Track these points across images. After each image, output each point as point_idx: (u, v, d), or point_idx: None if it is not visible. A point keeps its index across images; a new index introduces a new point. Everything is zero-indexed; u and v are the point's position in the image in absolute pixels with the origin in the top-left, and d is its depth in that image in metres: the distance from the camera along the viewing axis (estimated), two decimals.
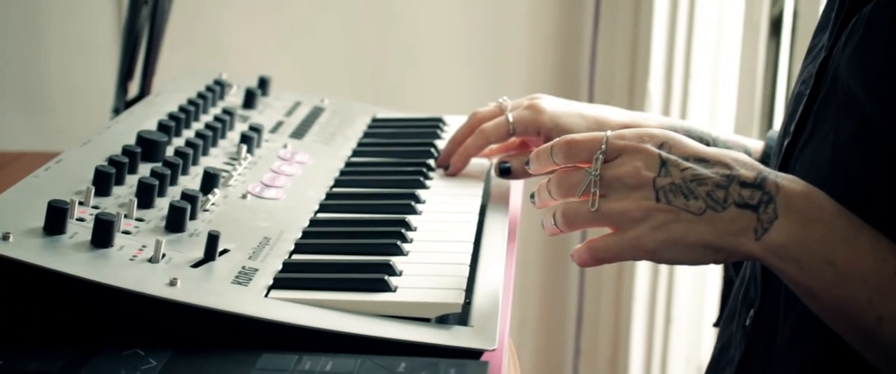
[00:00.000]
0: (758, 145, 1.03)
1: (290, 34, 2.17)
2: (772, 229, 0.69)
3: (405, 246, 0.82)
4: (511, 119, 1.01)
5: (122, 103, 1.32)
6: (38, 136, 2.07)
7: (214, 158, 0.97)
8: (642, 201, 0.71)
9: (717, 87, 2.00)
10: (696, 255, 0.71)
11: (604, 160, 0.73)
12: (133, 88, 1.34)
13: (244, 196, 0.89)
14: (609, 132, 0.74)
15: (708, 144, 1.03)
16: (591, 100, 2.13)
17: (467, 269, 0.78)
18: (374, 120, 1.20)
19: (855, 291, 0.68)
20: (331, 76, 2.17)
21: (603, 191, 0.72)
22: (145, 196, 0.82)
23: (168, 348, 0.68)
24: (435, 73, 2.21)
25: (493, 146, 1.04)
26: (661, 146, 0.72)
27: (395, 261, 0.77)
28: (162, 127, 0.96)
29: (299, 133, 1.11)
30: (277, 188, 0.93)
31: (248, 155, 0.98)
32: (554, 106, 1.02)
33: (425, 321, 0.72)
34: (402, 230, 0.84)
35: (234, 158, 0.97)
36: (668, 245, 0.70)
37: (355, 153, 1.08)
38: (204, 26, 2.06)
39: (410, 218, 0.87)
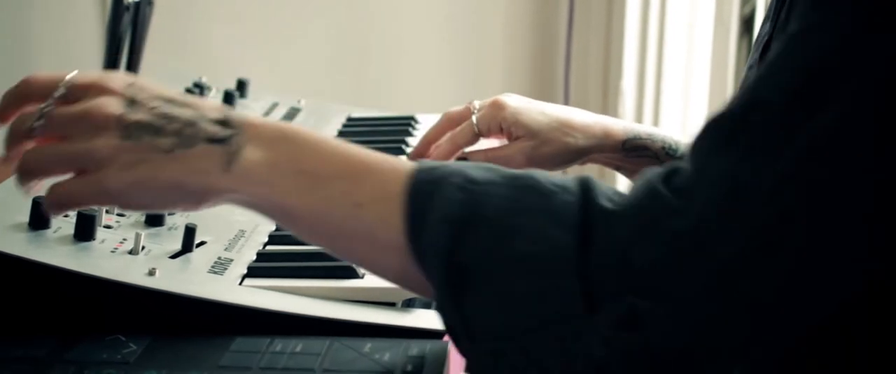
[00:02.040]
0: None
1: (271, 37, 2.21)
2: (240, 158, 0.66)
3: None
4: (475, 121, 1.05)
5: None
6: None
7: None
8: (109, 140, 0.66)
9: (689, 85, 2.05)
10: (167, 197, 0.67)
11: (68, 101, 0.68)
12: None
13: None
14: (75, 72, 0.69)
15: (675, 151, 1.07)
16: (566, 99, 2.18)
17: None
18: (349, 119, 1.24)
19: (329, 188, 0.66)
20: (312, 77, 2.21)
21: (67, 132, 0.67)
22: None
23: (147, 334, 0.72)
24: (414, 74, 2.25)
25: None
26: (128, 86, 0.69)
27: None
28: None
29: None
30: None
31: None
32: (516, 103, 1.05)
33: (391, 305, 0.76)
34: None
35: None
36: (136, 187, 0.66)
37: None
38: (186, 30, 2.10)
39: None
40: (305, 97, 1.28)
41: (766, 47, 0.81)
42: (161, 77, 1.22)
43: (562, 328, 0.60)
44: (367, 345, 0.70)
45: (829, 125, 0.60)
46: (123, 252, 0.78)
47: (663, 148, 1.06)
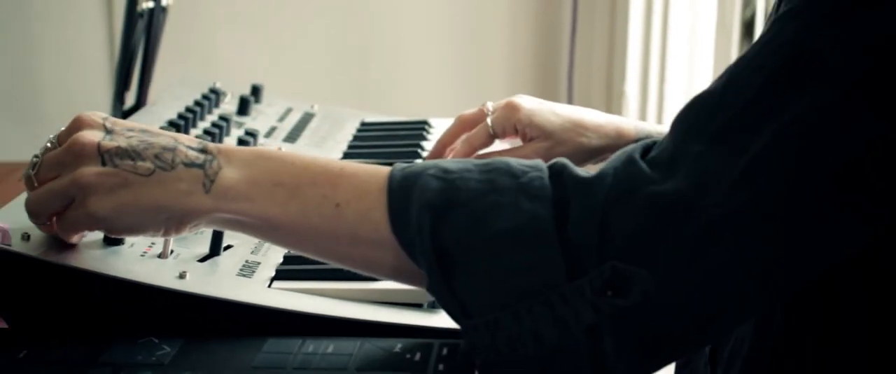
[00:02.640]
0: None
1: (277, 42, 2.22)
2: (218, 179, 0.70)
3: None
4: (490, 123, 1.06)
5: (120, 113, 1.37)
6: (34, 147, 2.12)
7: None
8: (91, 168, 0.70)
9: (691, 88, 2.06)
10: (150, 220, 0.71)
11: (58, 144, 0.73)
12: (129, 98, 1.39)
13: None
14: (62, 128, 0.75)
15: None
16: (570, 102, 2.19)
17: None
18: (363, 124, 1.26)
19: (307, 195, 0.69)
20: (317, 81, 2.23)
21: (57, 170, 0.72)
22: None
23: (179, 336, 0.74)
24: (418, 77, 2.27)
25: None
26: (104, 119, 0.73)
27: None
28: None
29: (292, 137, 1.16)
30: None
31: None
32: (530, 104, 1.06)
33: (417, 306, 0.77)
34: None
35: None
36: (120, 211, 0.70)
37: (346, 155, 1.13)
38: (194, 36, 2.11)
39: None
40: (312, 100, 1.29)
41: None
42: (174, 82, 1.24)
43: (549, 296, 0.63)
44: (398, 345, 0.72)
45: (804, 107, 0.62)
46: (152, 256, 0.79)
47: None
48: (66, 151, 0.72)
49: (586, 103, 2.14)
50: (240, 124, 1.15)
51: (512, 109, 1.06)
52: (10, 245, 0.75)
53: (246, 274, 0.79)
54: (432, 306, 0.77)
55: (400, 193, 0.68)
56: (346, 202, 0.69)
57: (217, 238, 0.82)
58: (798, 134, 0.62)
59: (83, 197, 0.71)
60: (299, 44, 2.24)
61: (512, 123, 1.05)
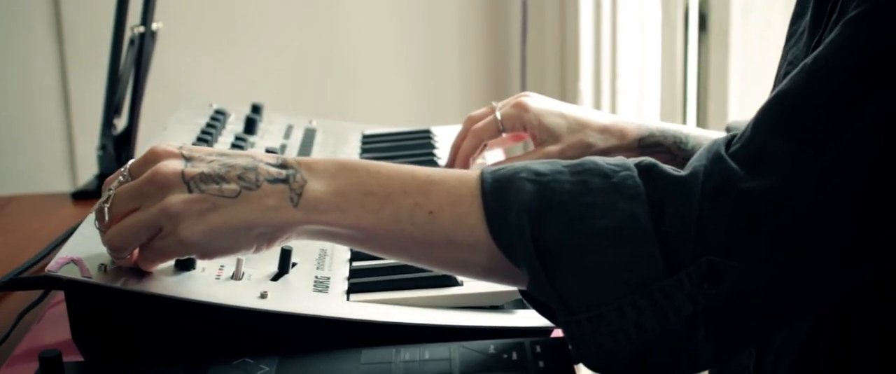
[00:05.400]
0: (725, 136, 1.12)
1: (235, 58, 2.22)
2: (305, 192, 0.71)
3: None
4: (499, 117, 1.09)
5: (110, 139, 1.36)
6: None
7: None
8: (178, 196, 0.71)
9: (643, 84, 2.12)
10: (242, 240, 0.72)
11: (131, 177, 0.74)
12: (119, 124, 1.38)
13: None
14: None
15: (685, 144, 1.13)
16: None
17: None
18: (365, 136, 1.27)
19: (400, 203, 0.71)
20: (274, 92, 2.23)
21: (137, 202, 0.73)
22: None
23: (272, 354, 0.75)
24: (373, 82, 2.29)
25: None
26: (180, 148, 0.75)
27: None
28: None
29: (304, 153, 1.17)
30: None
31: None
32: (539, 104, 1.09)
33: (496, 308, 0.80)
34: None
35: None
36: (212, 235, 0.71)
37: None
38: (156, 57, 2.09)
39: None
40: (273, 110, 1.30)
41: (818, 43, 0.87)
42: (178, 107, 1.24)
43: (651, 290, 0.67)
44: (490, 347, 0.74)
45: (885, 106, 0.67)
46: (226, 279, 0.80)
47: (675, 142, 1.11)
48: (148, 183, 0.73)
49: None
50: (252, 143, 1.16)
51: (521, 108, 1.08)
52: (90, 277, 0.75)
53: (321, 290, 0.81)
54: (512, 307, 0.80)
55: (494, 196, 0.71)
56: (440, 209, 0.71)
57: (285, 257, 0.83)
58: (880, 132, 0.66)
59: (173, 225, 0.72)
60: (257, 57, 2.24)
61: (521, 122, 1.08)
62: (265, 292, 0.78)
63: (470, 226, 0.71)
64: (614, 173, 0.70)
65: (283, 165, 0.74)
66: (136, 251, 0.76)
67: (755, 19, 1.94)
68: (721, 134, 1.12)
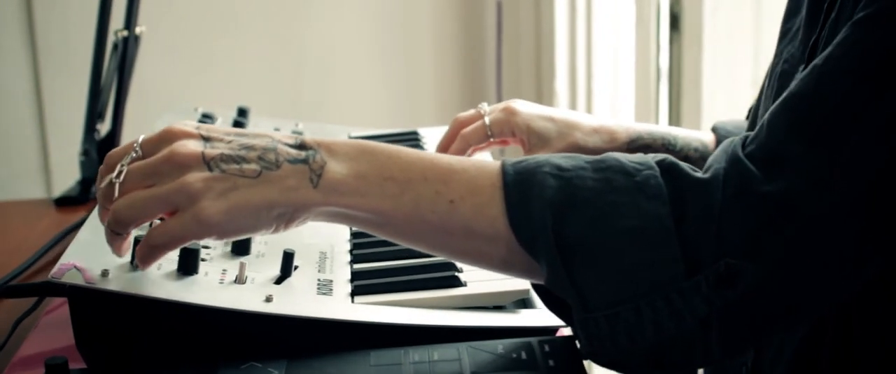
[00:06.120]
0: (710, 137, 1.11)
1: (210, 62, 2.21)
2: (325, 173, 0.71)
3: None
4: (488, 122, 1.09)
5: (93, 144, 1.35)
6: None
7: None
8: (198, 175, 0.70)
9: (617, 83, 2.14)
10: (262, 219, 0.71)
11: (143, 155, 0.73)
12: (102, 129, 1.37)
13: None
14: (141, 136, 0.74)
15: (673, 146, 1.13)
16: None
17: None
18: (351, 138, 1.27)
19: (420, 190, 0.71)
20: (253, 97, 2.23)
21: (152, 180, 0.71)
22: None
23: (279, 358, 0.75)
24: (348, 85, 2.28)
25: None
26: (198, 129, 0.73)
27: None
28: None
29: None
30: None
31: None
32: (527, 109, 1.09)
33: (498, 309, 0.80)
34: None
35: None
36: (233, 214, 0.70)
37: None
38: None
39: None
40: (253, 113, 1.29)
41: (816, 42, 0.87)
42: (165, 113, 1.23)
43: (669, 291, 0.68)
44: (499, 346, 0.74)
45: (892, 108, 0.68)
46: (230, 283, 0.80)
47: (663, 145, 1.12)
48: (165, 162, 0.71)
49: None
50: None
51: (510, 112, 1.09)
52: (93, 283, 0.75)
53: (325, 292, 0.81)
54: (514, 308, 0.81)
55: (516, 188, 0.71)
56: (461, 198, 0.71)
57: (288, 260, 0.83)
58: (888, 133, 0.67)
59: (191, 203, 0.70)
60: (232, 61, 2.23)
61: (510, 127, 1.08)
62: (270, 295, 0.78)
63: (490, 217, 0.71)
64: (637, 172, 0.71)
65: (302, 146, 0.73)
66: (128, 243, 0.74)
67: (724, 19, 1.96)
68: (707, 135, 1.14)
